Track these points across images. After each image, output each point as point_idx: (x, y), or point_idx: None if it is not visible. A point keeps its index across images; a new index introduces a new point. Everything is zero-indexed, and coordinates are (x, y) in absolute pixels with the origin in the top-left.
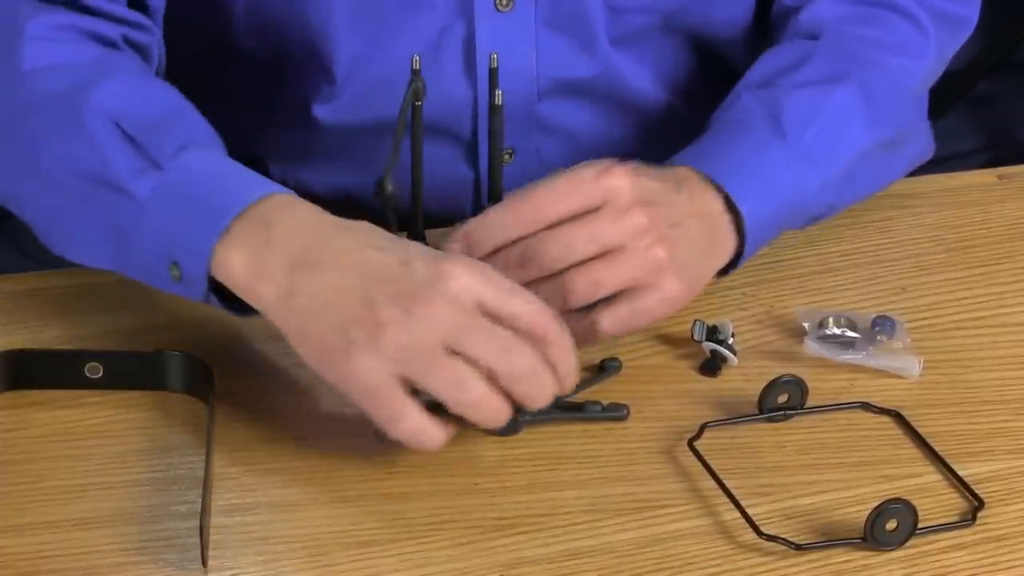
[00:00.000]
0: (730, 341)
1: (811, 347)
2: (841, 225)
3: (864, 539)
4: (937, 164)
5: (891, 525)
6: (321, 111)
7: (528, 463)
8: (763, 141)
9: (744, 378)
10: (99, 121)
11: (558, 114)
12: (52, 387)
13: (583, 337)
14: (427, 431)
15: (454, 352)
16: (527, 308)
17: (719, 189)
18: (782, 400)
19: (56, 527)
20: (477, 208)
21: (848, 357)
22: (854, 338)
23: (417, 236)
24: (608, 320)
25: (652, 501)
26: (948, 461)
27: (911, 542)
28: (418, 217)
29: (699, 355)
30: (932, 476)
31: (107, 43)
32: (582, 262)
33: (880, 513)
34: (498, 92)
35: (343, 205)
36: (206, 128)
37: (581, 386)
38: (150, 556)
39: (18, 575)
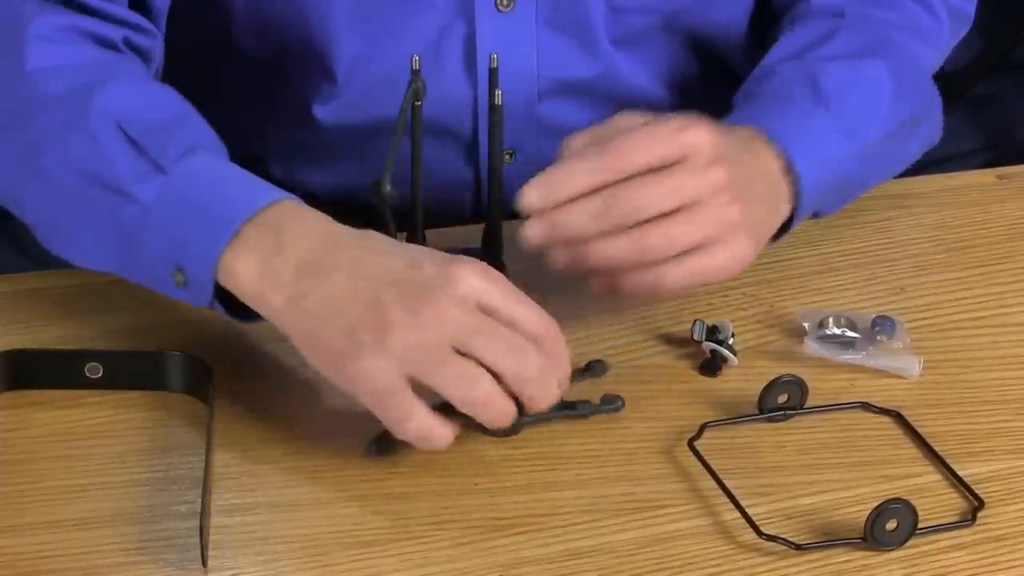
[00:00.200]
0: (730, 341)
1: (811, 347)
2: (841, 225)
3: (864, 539)
4: (937, 164)
5: (891, 525)
6: (321, 111)
7: (528, 463)
8: (808, 109)
9: (744, 378)
10: (103, 124)
11: (558, 114)
12: (52, 387)
13: (646, 290)
14: (435, 431)
15: (461, 352)
16: (530, 313)
17: (779, 150)
18: (782, 400)
19: (56, 527)
20: (477, 208)
21: (848, 357)
22: (854, 338)
23: (417, 236)
24: (674, 275)
25: (652, 501)
26: (948, 461)
27: (911, 542)
28: (418, 217)
29: (699, 355)
30: (932, 476)
31: (108, 45)
32: (658, 216)
33: (880, 513)
34: (498, 92)
35: (343, 205)
36: (209, 132)
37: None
38: (150, 556)
39: (18, 575)
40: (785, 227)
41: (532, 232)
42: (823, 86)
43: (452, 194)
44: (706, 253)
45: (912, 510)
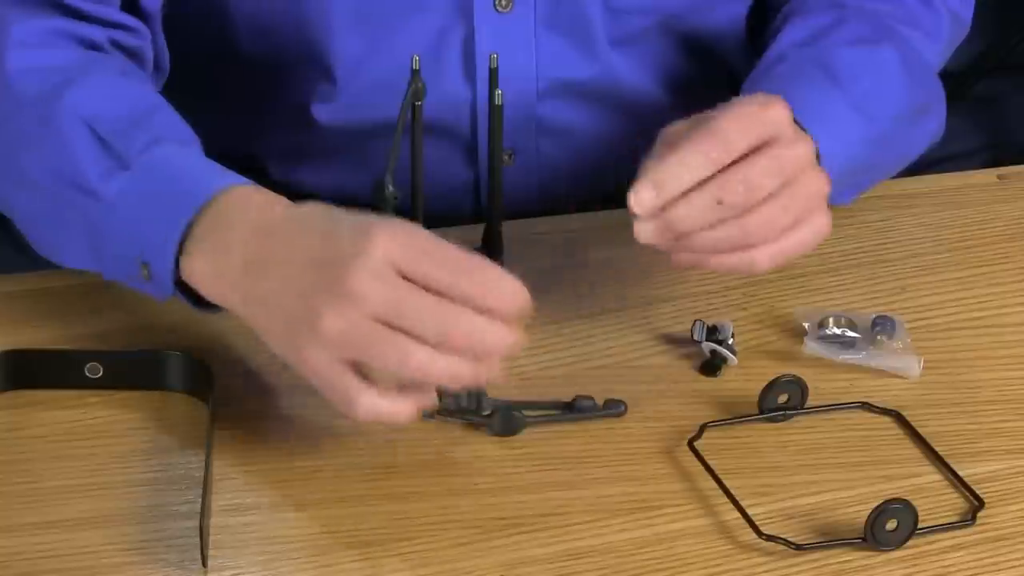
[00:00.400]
0: (730, 341)
1: (811, 347)
2: (841, 225)
3: (864, 539)
4: (937, 164)
5: (891, 525)
6: (320, 112)
7: (528, 463)
8: (824, 90)
9: (744, 378)
10: (72, 123)
11: (557, 115)
12: (52, 387)
13: (737, 271)
14: (386, 410)
15: (393, 325)
16: (447, 266)
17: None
18: (782, 400)
19: (56, 527)
20: (476, 209)
21: (848, 357)
22: (854, 338)
23: None
24: (767, 256)
25: (652, 501)
26: (948, 461)
27: (911, 542)
28: (418, 218)
29: (699, 355)
30: (932, 476)
31: (93, 47)
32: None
33: (880, 513)
34: (498, 92)
35: (342, 206)
36: (178, 125)
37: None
38: (150, 556)
39: (17, 575)
40: None
41: (645, 232)
42: (837, 69)
43: (452, 194)
44: (797, 230)
45: (912, 510)
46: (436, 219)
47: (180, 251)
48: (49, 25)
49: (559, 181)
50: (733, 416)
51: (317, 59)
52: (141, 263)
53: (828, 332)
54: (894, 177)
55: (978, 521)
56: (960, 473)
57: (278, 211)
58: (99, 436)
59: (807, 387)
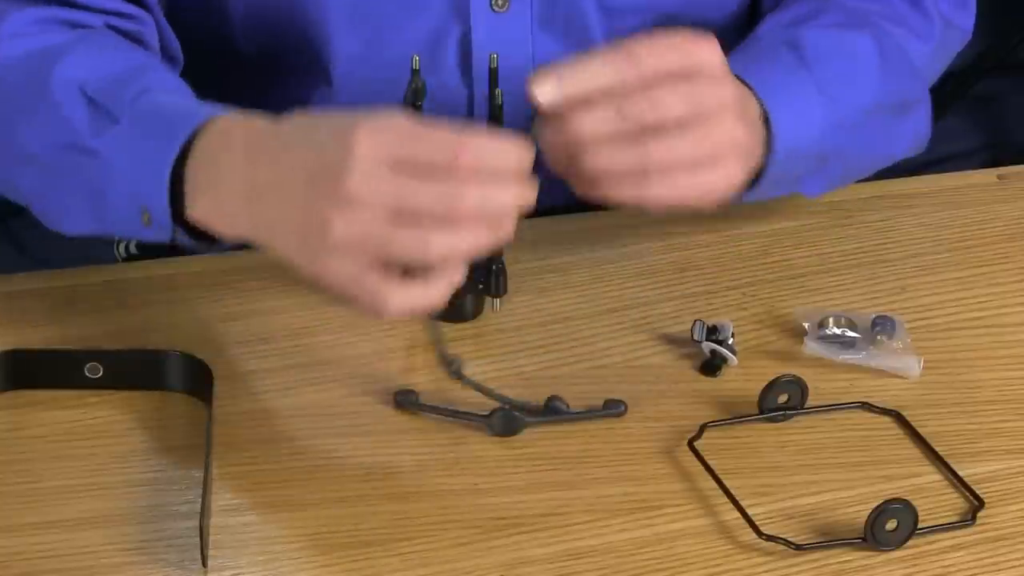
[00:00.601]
0: (730, 341)
1: (811, 347)
2: (841, 225)
3: (864, 539)
4: (937, 164)
5: (891, 525)
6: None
7: (528, 463)
8: (790, 68)
9: (744, 378)
10: (64, 90)
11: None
12: (52, 387)
13: (628, 201)
14: (418, 300)
15: (401, 215)
16: (439, 147)
17: (758, 99)
18: (782, 400)
19: (56, 527)
20: None
21: (848, 357)
22: (854, 338)
23: None
24: (664, 189)
25: (652, 501)
26: (948, 461)
27: (911, 542)
28: None
29: (699, 355)
30: (932, 476)
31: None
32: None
33: (880, 513)
34: (498, 91)
35: None
36: (169, 78)
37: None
38: (150, 556)
39: (17, 575)
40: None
41: (538, 129)
42: (806, 50)
43: None
44: (699, 172)
45: (912, 510)
46: None
47: (180, 192)
48: (43, 14)
49: (557, 180)
50: (733, 416)
51: (314, 60)
52: (141, 209)
53: (828, 332)
54: (894, 177)
55: (978, 521)
56: (960, 473)
57: (262, 130)
58: (99, 436)
59: (807, 387)
